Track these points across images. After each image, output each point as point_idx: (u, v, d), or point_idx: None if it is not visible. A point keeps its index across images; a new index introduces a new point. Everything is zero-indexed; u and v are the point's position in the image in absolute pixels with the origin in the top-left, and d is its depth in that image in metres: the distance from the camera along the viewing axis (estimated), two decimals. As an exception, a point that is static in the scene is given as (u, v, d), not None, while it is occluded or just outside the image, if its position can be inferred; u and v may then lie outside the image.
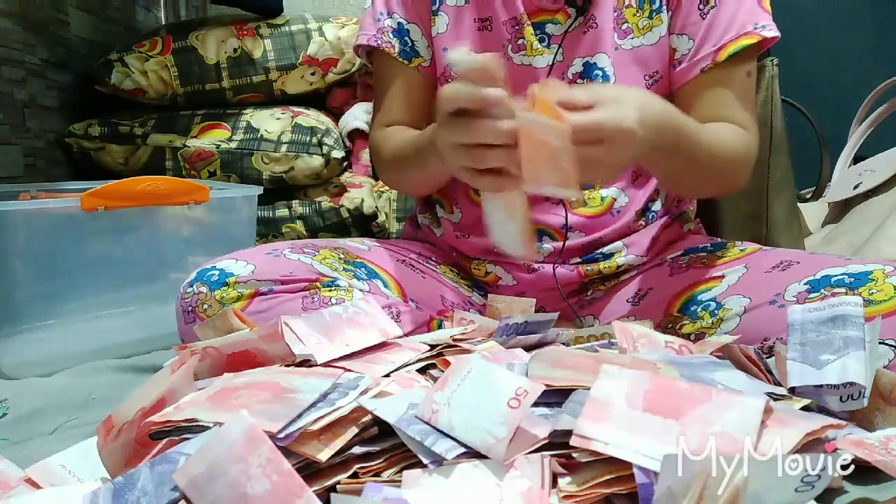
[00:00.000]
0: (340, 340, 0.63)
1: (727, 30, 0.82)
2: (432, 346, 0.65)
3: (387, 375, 0.58)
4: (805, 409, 0.54)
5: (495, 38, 0.87)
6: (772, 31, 0.82)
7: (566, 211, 0.87)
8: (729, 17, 0.82)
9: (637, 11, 0.85)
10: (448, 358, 0.58)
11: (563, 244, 0.87)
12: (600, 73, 0.85)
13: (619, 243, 0.88)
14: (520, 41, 0.86)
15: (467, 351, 0.63)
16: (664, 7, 0.84)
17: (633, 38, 0.85)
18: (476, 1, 0.87)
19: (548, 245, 0.88)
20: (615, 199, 0.88)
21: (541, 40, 0.85)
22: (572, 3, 0.84)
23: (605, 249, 0.88)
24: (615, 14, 0.85)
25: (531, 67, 0.86)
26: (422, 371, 0.61)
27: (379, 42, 0.91)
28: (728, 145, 0.80)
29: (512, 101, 0.60)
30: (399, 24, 0.91)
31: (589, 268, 0.88)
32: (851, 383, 0.53)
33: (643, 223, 0.90)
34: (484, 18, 0.87)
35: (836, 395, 0.54)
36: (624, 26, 0.85)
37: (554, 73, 0.85)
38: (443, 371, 0.58)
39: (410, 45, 0.91)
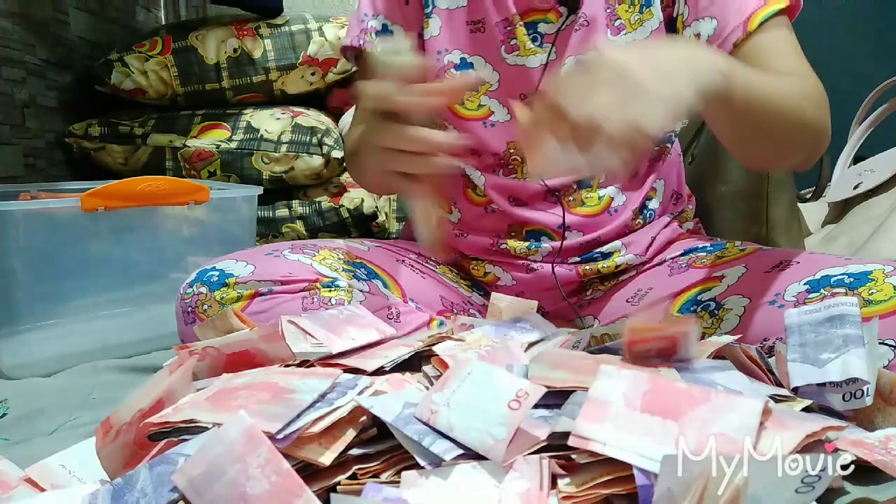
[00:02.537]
0: (346, 336, 0.64)
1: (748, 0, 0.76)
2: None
3: (381, 368, 0.59)
4: (806, 410, 0.54)
5: (488, 40, 0.86)
6: None
7: (563, 210, 0.87)
8: None
9: (629, 7, 0.84)
10: (445, 358, 0.58)
11: (561, 244, 0.87)
12: None
13: (617, 242, 0.88)
14: (512, 41, 0.85)
15: (460, 340, 0.64)
16: (654, 1, 0.83)
17: (626, 34, 0.84)
18: (468, 3, 0.87)
19: (546, 244, 0.88)
20: (612, 199, 0.88)
21: (533, 40, 0.85)
22: (564, 2, 0.83)
23: (604, 249, 0.88)
24: (607, 11, 0.84)
25: (524, 68, 0.86)
26: (416, 370, 0.61)
27: (362, 42, 0.91)
28: (795, 89, 0.70)
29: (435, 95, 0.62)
30: (384, 25, 0.91)
31: (587, 267, 0.88)
32: (854, 380, 0.53)
33: (641, 222, 0.90)
34: (476, 20, 0.87)
35: (839, 394, 0.54)
36: (617, 22, 0.84)
37: (547, 71, 0.85)
38: (438, 370, 0.58)
39: None
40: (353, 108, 1.74)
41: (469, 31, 0.87)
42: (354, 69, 1.72)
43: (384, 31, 0.91)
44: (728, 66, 0.60)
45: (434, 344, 0.64)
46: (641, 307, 0.68)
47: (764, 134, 0.69)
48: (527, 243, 0.89)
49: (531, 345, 0.67)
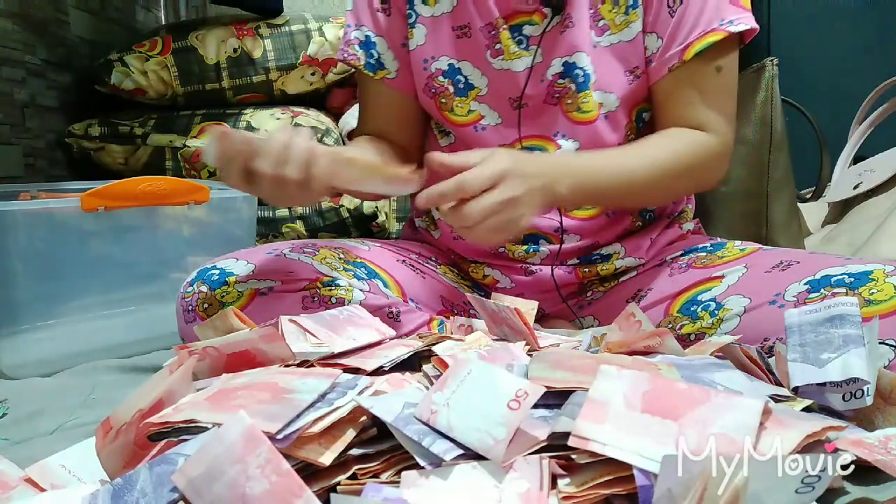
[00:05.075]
0: (347, 335, 0.65)
1: (693, 27, 0.80)
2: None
3: (381, 368, 0.59)
4: (807, 410, 0.54)
5: (474, 45, 0.86)
6: (741, 25, 0.80)
7: (560, 215, 0.87)
8: (696, 15, 0.80)
9: (613, 7, 0.83)
10: (445, 358, 0.58)
11: (559, 248, 0.87)
12: (581, 72, 0.84)
13: (616, 245, 0.88)
14: (497, 46, 0.85)
15: (460, 340, 0.64)
16: (640, 3, 0.83)
17: (610, 35, 0.84)
18: (453, 9, 0.86)
19: (544, 248, 0.88)
20: None
21: (519, 43, 0.85)
22: (548, 3, 0.83)
23: (603, 251, 0.88)
24: (591, 11, 0.84)
25: (510, 72, 0.85)
26: (415, 369, 0.61)
27: (345, 56, 0.92)
28: (669, 155, 0.81)
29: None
30: (367, 36, 0.91)
31: (587, 269, 0.88)
32: (854, 380, 0.53)
33: (640, 224, 0.90)
34: (462, 26, 0.86)
35: (839, 394, 0.54)
36: (601, 23, 0.84)
37: (533, 74, 0.84)
38: (438, 370, 0.58)
39: (376, 57, 0.91)
40: (354, 107, 1.75)
41: (455, 37, 0.87)
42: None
43: (367, 42, 0.91)
44: (574, 183, 0.75)
45: (434, 344, 0.64)
46: (618, 319, 0.69)
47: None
48: (525, 247, 0.88)
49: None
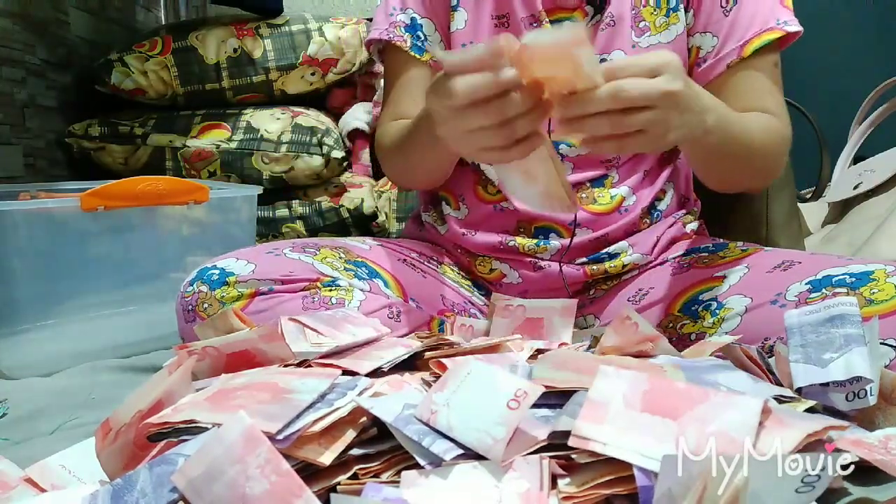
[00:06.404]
0: (347, 331, 0.65)
1: (750, 25, 0.83)
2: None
3: (379, 369, 0.59)
4: (811, 411, 0.54)
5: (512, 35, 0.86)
6: (794, 26, 0.83)
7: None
8: (751, 14, 0.83)
9: (654, 10, 0.85)
10: (444, 361, 0.58)
11: (571, 241, 0.87)
12: None
13: (624, 243, 0.88)
14: None
15: (457, 344, 0.64)
16: (681, 6, 0.85)
17: (650, 36, 0.85)
18: None
19: (554, 242, 0.88)
20: (624, 198, 0.88)
21: None
22: (591, 1, 0.84)
23: (611, 249, 0.88)
24: (633, 12, 0.85)
25: None
26: (415, 370, 0.61)
27: (391, 36, 0.91)
28: (760, 130, 0.80)
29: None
30: (412, 18, 0.91)
31: (595, 267, 0.88)
32: (857, 379, 0.53)
33: (648, 222, 0.90)
34: (501, 15, 0.87)
35: (842, 394, 0.54)
36: (641, 24, 0.85)
37: None
38: (438, 374, 0.58)
39: (423, 39, 0.91)
40: (354, 107, 1.75)
41: (493, 26, 0.88)
42: (355, 69, 1.73)
43: (413, 25, 0.91)
44: (715, 110, 0.68)
45: (433, 345, 0.64)
46: (613, 323, 0.67)
47: (728, 166, 0.80)
48: (535, 240, 0.88)
49: (539, 351, 0.67)
